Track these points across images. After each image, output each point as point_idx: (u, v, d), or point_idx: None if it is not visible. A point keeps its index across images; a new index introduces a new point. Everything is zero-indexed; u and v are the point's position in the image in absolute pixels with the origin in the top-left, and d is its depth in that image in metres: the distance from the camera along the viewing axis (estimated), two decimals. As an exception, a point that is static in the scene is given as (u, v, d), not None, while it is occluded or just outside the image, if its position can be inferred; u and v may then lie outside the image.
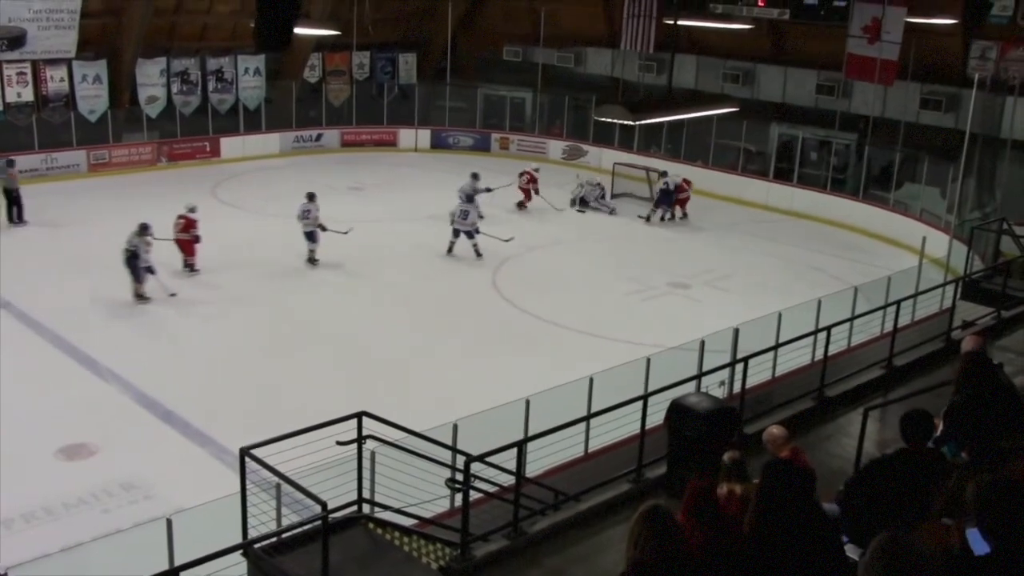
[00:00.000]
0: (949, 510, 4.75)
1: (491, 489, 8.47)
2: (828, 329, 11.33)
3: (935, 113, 23.30)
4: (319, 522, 7.05)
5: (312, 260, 19.68)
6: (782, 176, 26.46)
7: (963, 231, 19.14)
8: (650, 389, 9.55)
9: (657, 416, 8.90)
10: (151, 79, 27.28)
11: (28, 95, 25.29)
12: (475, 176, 22.21)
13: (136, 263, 17.12)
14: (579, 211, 24.85)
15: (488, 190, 22.43)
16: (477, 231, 20.60)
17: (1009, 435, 6.58)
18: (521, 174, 24.92)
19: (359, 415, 8.29)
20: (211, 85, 28.55)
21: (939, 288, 14.79)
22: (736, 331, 11.47)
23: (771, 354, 11.41)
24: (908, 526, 4.79)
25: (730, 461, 6.42)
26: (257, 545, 7.46)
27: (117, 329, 15.98)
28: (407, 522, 8.42)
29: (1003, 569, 3.72)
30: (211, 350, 15.43)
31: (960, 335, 11.71)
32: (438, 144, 31.78)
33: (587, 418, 9.48)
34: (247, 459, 7.72)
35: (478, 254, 20.53)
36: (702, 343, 11.20)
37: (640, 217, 24.61)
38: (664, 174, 25.00)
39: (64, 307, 16.60)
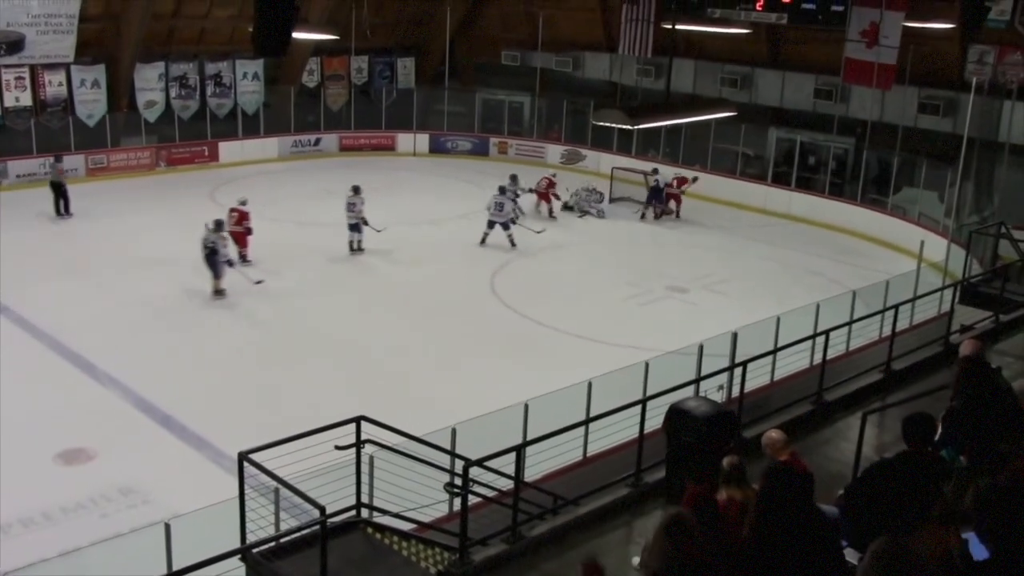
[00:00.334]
0: (948, 515, 4.75)
1: (490, 493, 8.47)
2: (826, 333, 11.34)
3: (933, 117, 23.33)
4: (318, 526, 7.04)
5: (358, 249, 20.67)
6: (780, 180, 26.48)
7: (961, 235, 19.16)
8: (649, 393, 9.56)
9: (656, 420, 8.90)
10: (149, 83, 27.29)
11: (26, 100, 25.28)
12: (514, 178, 23.36)
13: (216, 259, 17.60)
14: (579, 216, 24.87)
15: (524, 190, 23.58)
16: (513, 222, 21.74)
17: (1008, 439, 6.59)
18: (539, 181, 24.97)
19: (357, 419, 8.29)
20: (209, 89, 28.55)
21: (937, 292, 14.79)
22: (735, 335, 11.48)
23: (769, 358, 11.41)
24: (907, 531, 4.79)
25: (729, 466, 6.42)
26: (255, 550, 7.45)
27: (115, 333, 15.95)
28: (406, 526, 8.42)
29: (1003, 573, 3.72)
30: (209, 354, 15.42)
31: (958, 339, 11.71)
32: (436, 148, 31.79)
33: (586, 422, 9.48)
34: (245, 463, 7.72)
35: (512, 244, 21.51)
36: (700, 347, 11.21)
37: (642, 219, 24.91)
38: (655, 171, 25.43)
39: (62, 311, 16.59)
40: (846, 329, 12.58)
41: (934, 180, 22.72)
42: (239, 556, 7.40)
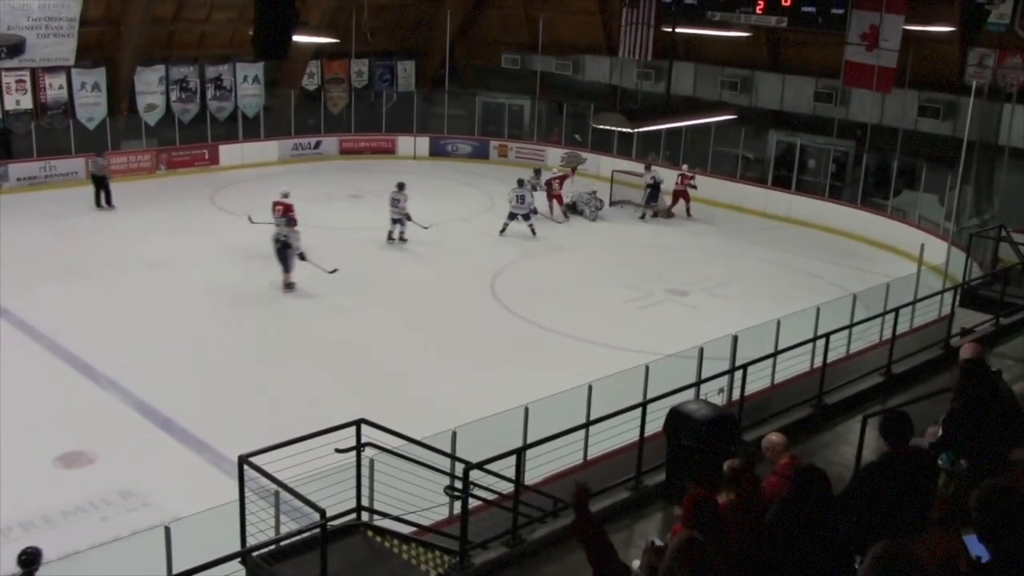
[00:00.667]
0: (949, 517, 4.75)
1: (490, 497, 8.46)
2: (827, 336, 11.34)
3: (933, 120, 23.33)
4: (318, 530, 7.04)
5: (401, 239, 21.54)
6: (780, 183, 26.50)
7: (962, 238, 19.16)
8: (649, 396, 9.56)
9: (656, 423, 8.90)
10: (150, 87, 27.31)
11: (27, 103, 25.30)
12: (537, 172, 24.69)
13: (288, 252, 18.05)
14: (591, 219, 24.85)
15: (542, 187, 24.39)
16: (534, 211, 22.97)
17: (1008, 442, 6.59)
18: (548, 182, 25.08)
19: (358, 422, 8.29)
20: (210, 93, 28.57)
21: (938, 295, 14.79)
22: (735, 338, 11.47)
23: (770, 361, 11.40)
24: (907, 534, 4.79)
25: (730, 470, 6.41)
26: (255, 553, 7.44)
27: (116, 336, 15.95)
28: (406, 530, 8.41)
29: (1004, 574, 3.72)
30: (210, 357, 15.41)
31: (959, 342, 11.72)
32: (437, 151, 31.81)
33: (586, 425, 9.48)
34: (245, 467, 7.71)
35: (533, 232, 22.78)
36: (701, 350, 11.20)
37: (640, 218, 25.13)
38: (648, 168, 25.68)
39: (63, 314, 16.59)
40: (846, 332, 12.58)
41: (934, 183, 22.73)
42: (239, 559, 7.39)
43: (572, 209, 25.01)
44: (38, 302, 17.05)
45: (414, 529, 8.51)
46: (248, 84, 29.19)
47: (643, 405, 9.16)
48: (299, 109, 30.39)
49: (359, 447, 8.26)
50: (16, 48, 24.31)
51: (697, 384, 10.43)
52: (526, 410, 9.51)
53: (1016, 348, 12.59)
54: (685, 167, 26.21)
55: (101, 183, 23.78)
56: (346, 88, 31.71)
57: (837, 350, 12.13)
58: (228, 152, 28.76)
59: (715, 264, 21.63)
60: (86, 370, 14.62)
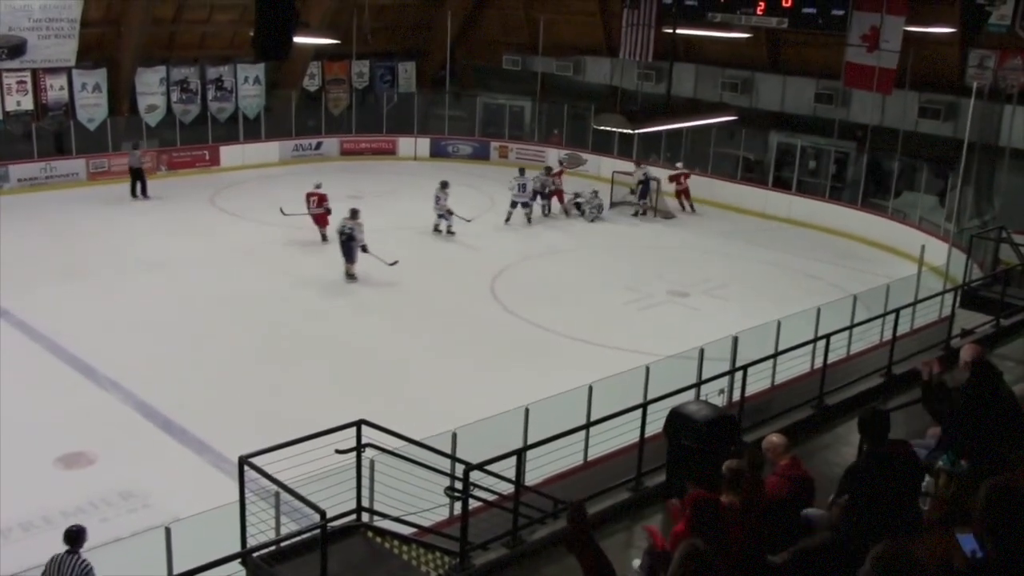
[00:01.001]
0: (948, 518, 4.75)
1: (490, 497, 8.46)
2: (827, 337, 11.33)
3: (933, 121, 23.32)
4: (318, 531, 7.04)
5: (449, 232, 22.56)
6: (781, 184, 26.50)
7: (962, 239, 19.15)
8: (649, 397, 9.55)
9: (656, 424, 8.89)
10: (150, 88, 27.34)
11: (28, 104, 25.32)
12: (548, 170, 25.52)
13: (352, 244, 18.91)
14: (589, 220, 24.88)
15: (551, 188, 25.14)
16: (533, 198, 24.11)
17: (1009, 443, 6.58)
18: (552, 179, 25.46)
19: (358, 423, 8.28)
20: (210, 94, 28.60)
21: (938, 296, 14.78)
22: (735, 339, 11.47)
23: (770, 362, 11.39)
24: (905, 533, 4.79)
25: (728, 471, 6.40)
26: (256, 554, 7.44)
27: (115, 337, 15.95)
28: (406, 531, 8.41)
29: (1005, 574, 3.72)
30: (210, 358, 15.41)
31: (959, 343, 11.70)
32: (437, 152, 31.82)
33: (586, 426, 9.47)
34: (246, 467, 7.71)
35: (528, 220, 23.96)
36: (701, 351, 11.20)
37: (633, 215, 25.43)
38: (639, 166, 26.13)
39: (63, 315, 16.60)
40: (847, 333, 12.56)
41: (935, 184, 22.73)
42: (239, 560, 7.39)
43: (576, 208, 25.06)
44: (38, 302, 17.06)
45: (414, 530, 8.50)
46: (249, 85, 29.21)
47: (643, 406, 9.15)
48: (300, 110, 30.41)
49: (359, 448, 8.25)
50: (17, 49, 24.34)
51: (697, 385, 10.42)
52: (526, 411, 9.51)
53: (1016, 349, 12.57)
54: (680, 165, 26.45)
55: (138, 175, 24.81)
56: (347, 89, 31.72)
57: (837, 351, 12.12)
58: (229, 153, 28.77)
59: (715, 265, 21.63)
60: (86, 371, 14.63)
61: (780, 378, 11.79)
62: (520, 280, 20.08)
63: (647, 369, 10.49)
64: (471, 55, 33.65)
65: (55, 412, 13.15)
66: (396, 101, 32.63)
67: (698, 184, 27.12)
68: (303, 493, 7.29)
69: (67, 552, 7.80)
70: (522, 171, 24.41)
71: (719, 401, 10.38)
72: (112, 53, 26.28)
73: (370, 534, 8.15)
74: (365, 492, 8.36)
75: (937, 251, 19.21)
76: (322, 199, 21.49)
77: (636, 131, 18.50)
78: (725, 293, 19.48)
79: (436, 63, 33.17)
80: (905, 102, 23.61)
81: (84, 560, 7.77)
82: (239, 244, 21.47)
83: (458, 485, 7.95)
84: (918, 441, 7.65)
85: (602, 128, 18.83)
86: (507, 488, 8.37)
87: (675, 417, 8.62)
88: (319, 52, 29.39)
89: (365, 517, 8.36)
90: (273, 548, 7.53)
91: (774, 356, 11.38)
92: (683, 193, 26.05)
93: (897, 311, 12.30)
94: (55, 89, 25.69)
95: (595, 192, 25.36)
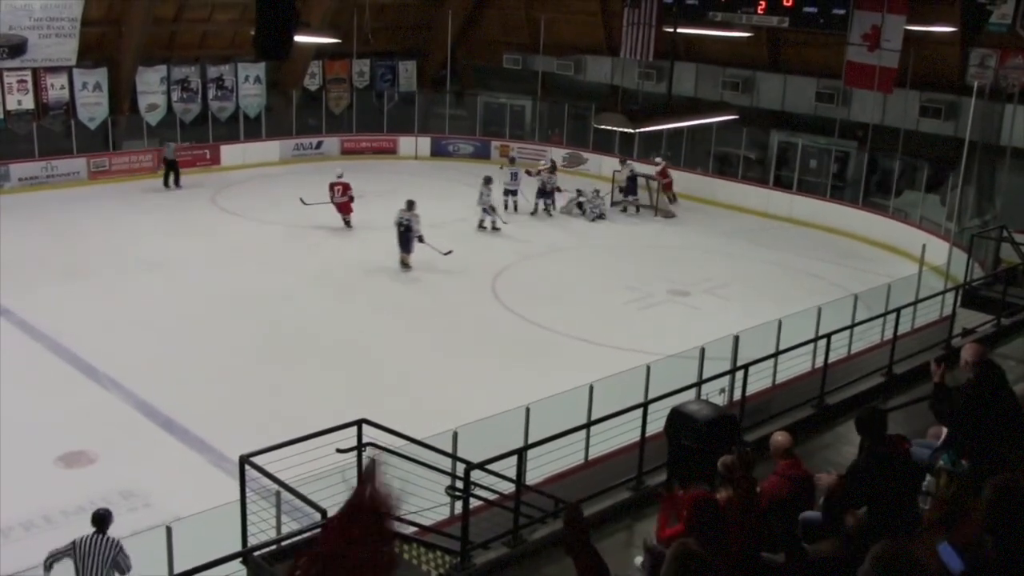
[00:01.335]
0: (948, 518, 4.74)
1: (491, 497, 8.46)
2: (828, 337, 11.34)
3: (935, 121, 23.30)
4: (319, 530, 7.04)
5: (494, 228, 23.00)
6: (782, 184, 26.49)
7: (963, 239, 19.14)
8: (650, 396, 9.56)
9: (657, 424, 8.90)
10: (151, 87, 27.33)
11: (28, 103, 25.32)
12: (553, 166, 25.90)
13: (409, 235, 19.68)
14: (591, 221, 24.88)
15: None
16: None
17: (1010, 443, 6.58)
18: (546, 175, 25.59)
19: (359, 423, 8.30)
20: (211, 93, 28.59)
21: (939, 296, 14.77)
22: (736, 338, 11.47)
23: (771, 361, 11.40)
24: (904, 532, 4.79)
25: (723, 467, 6.39)
26: (257, 553, 7.45)
27: (117, 336, 15.96)
28: (407, 530, 8.41)
29: (1007, 573, 3.72)
30: (211, 357, 15.41)
31: (960, 343, 11.70)
32: (438, 152, 31.81)
33: (587, 425, 9.48)
34: (247, 466, 7.72)
35: (515, 208, 24.87)
36: (702, 350, 11.20)
37: (624, 212, 25.67)
38: (624, 162, 26.32)
39: (64, 314, 16.60)
40: (848, 332, 12.57)
41: (935, 184, 22.72)
42: (240, 559, 7.40)
43: (579, 207, 25.06)
44: (39, 302, 17.06)
45: (415, 529, 8.51)
46: (249, 84, 29.20)
47: (644, 405, 9.16)
48: (300, 109, 30.40)
49: (360, 447, 8.26)
50: (18, 48, 24.34)
51: (698, 384, 10.43)
52: (527, 410, 9.52)
53: (1017, 349, 12.57)
54: (659, 160, 26.69)
55: (172, 166, 26.08)
56: (347, 88, 31.71)
57: (838, 350, 12.13)
58: (229, 152, 28.76)
59: (716, 264, 21.63)
60: (87, 370, 14.63)
61: (781, 377, 11.80)
62: (521, 279, 20.08)
63: (648, 368, 10.50)
64: (472, 55, 33.64)
65: (56, 411, 13.15)
66: (397, 100, 32.61)
67: (699, 184, 27.14)
68: (304, 492, 7.30)
69: (94, 533, 8.06)
70: (512, 160, 25.65)
71: (720, 400, 10.38)
72: (113, 52, 26.28)
73: (371, 533, 8.13)
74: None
75: (938, 250, 19.21)
76: (346, 188, 22.71)
77: (637, 130, 18.52)
78: (726, 292, 19.48)
79: (437, 62, 33.16)
80: (906, 101, 23.60)
81: (112, 538, 8.08)
82: (240, 243, 21.47)
83: (459, 484, 7.96)
84: (919, 441, 7.66)
85: (603, 127, 18.90)
86: (508, 487, 8.38)
87: (676, 416, 8.62)
88: (320, 51, 29.38)
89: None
90: (274, 547, 7.54)
91: (775, 355, 11.38)
92: (667, 187, 26.20)
93: (898, 310, 12.31)
94: (56, 88, 25.68)
95: (596, 191, 25.36)
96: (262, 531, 7.87)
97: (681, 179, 27.30)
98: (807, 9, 23.65)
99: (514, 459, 8.04)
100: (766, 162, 27.35)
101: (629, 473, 9.06)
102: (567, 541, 4.36)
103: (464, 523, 7.63)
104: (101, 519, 8.20)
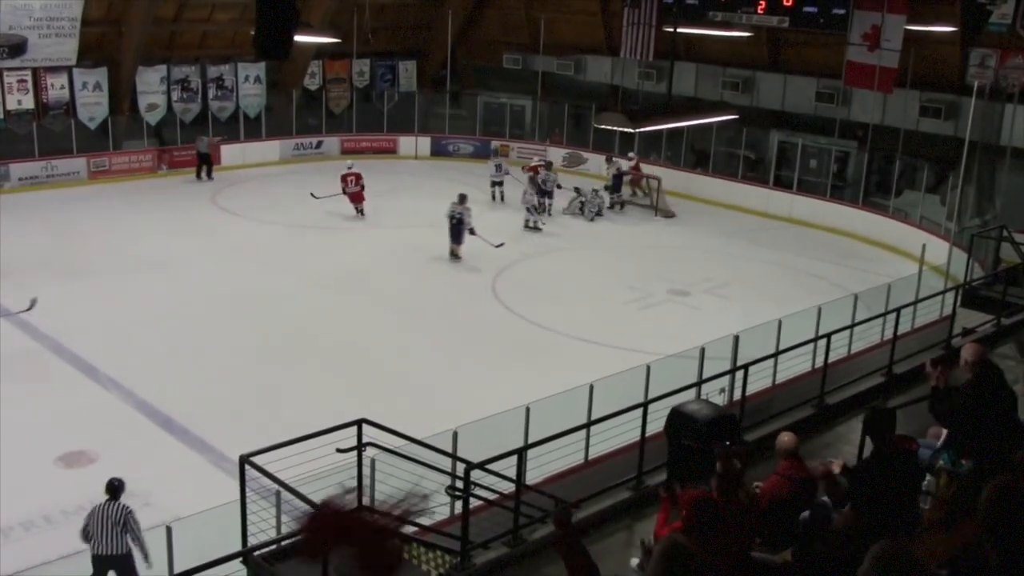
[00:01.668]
0: (949, 518, 4.75)
1: (491, 496, 8.46)
2: (828, 336, 11.33)
3: (935, 121, 23.30)
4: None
5: (535, 228, 23.28)
6: (782, 183, 26.49)
7: (963, 238, 19.14)
8: (650, 396, 9.56)
9: (657, 423, 8.90)
10: (151, 87, 27.32)
11: (28, 103, 25.31)
12: (549, 164, 26.11)
13: (460, 227, 20.46)
14: (590, 220, 24.91)
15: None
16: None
17: (1010, 443, 6.58)
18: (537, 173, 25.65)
19: (359, 422, 8.30)
20: (211, 92, 28.58)
21: (939, 295, 14.77)
22: (736, 338, 11.47)
23: (771, 361, 11.39)
24: (905, 533, 4.79)
25: (721, 468, 6.40)
26: (257, 552, 7.45)
27: (117, 336, 15.96)
28: (407, 529, 8.40)
29: (1007, 574, 3.71)
30: (211, 357, 15.41)
31: (960, 342, 11.70)
32: (438, 152, 31.81)
33: (587, 425, 9.48)
34: (247, 466, 7.72)
35: (501, 198, 25.73)
36: (702, 350, 11.20)
37: (609, 208, 25.80)
38: (610, 159, 26.72)
39: (64, 314, 16.57)
40: (848, 332, 12.56)
41: (935, 183, 22.72)
42: (240, 559, 7.41)
43: (580, 208, 25.07)
44: (39, 301, 17.01)
45: (415, 529, 8.49)
46: (249, 84, 29.20)
47: (644, 405, 9.16)
48: (300, 109, 30.41)
49: (360, 447, 8.26)
50: (18, 48, 24.33)
51: (698, 384, 10.43)
52: (527, 410, 9.51)
53: (1017, 348, 12.57)
54: (632, 155, 26.91)
55: (205, 159, 27.09)
56: (348, 88, 31.71)
57: (838, 350, 12.12)
58: (229, 152, 28.74)
59: (716, 264, 21.63)
60: (87, 370, 14.63)
61: (781, 377, 11.79)
62: (521, 279, 20.08)
63: (648, 368, 10.49)
64: (472, 54, 33.64)
65: (56, 411, 13.16)
66: (397, 100, 32.60)
67: (700, 184, 27.15)
68: (304, 492, 7.29)
69: (108, 500, 8.85)
70: (495, 152, 26.93)
71: (720, 400, 10.38)
72: (113, 52, 26.27)
73: (371, 533, 8.13)
74: (366, 491, 8.36)
75: (938, 250, 19.21)
76: (358, 177, 23.88)
77: (637, 130, 18.52)
78: (726, 292, 19.48)
79: (437, 62, 33.16)
80: (906, 101, 23.60)
81: (124, 505, 8.86)
82: (240, 243, 21.47)
83: (459, 484, 7.96)
84: (919, 441, 7.65)
85: (603, 127, 18.90)
86: (508, 487, 8.38)
87: (676, 416, 8.62)
88: (320, 51, 29.38)
89: (366, 516, 8.35)
90: (274, 547, 7.54)
91: (775, 355, 11.38)
92: (638, 181, 26.29)
93: (898, 310, 12.31)
94: (56, 88, 25.67)
95: (595, 191, 25.38)
96: (262, 531, 7.87)
97: (681, 179, 27.32)
98: (807, 9, 23.65)
99: (514, 459, 8.03)
100: (766, 162, 27.35)
101: (629, 473, 9.05)
102: (555, 541, 4.39)
103: (464, 523, 7.63)
104: (114, 488, 8.92)
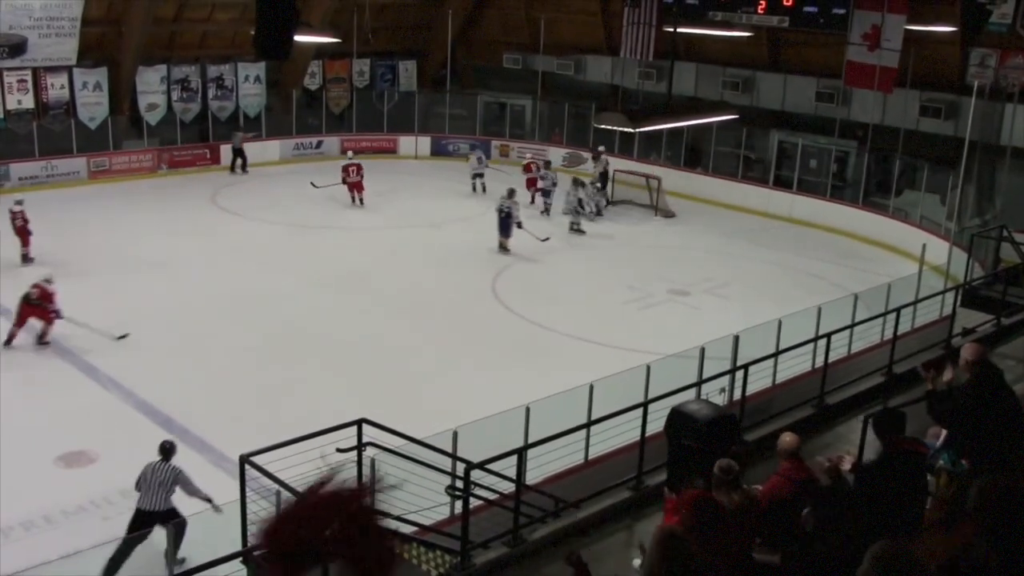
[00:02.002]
0: (949, 518, 4.75)
1: (491, 496, 8.47)
2: (828, 336, 11.34)
3: (935, 120, 23.31)
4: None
5: (578, 230, 23.43)
6: (782, 183, 26.49)
7: (963, 238, 19.14)
8: (650, 396, 9.56)
9: (657, 423, 8.90)
10: (151, 86, 27.32)
11: (29, 102, 25.31)
12: (548, 164, 26.25)
13: (509, 221, 21.12)
14: (588, 219, 24.91)
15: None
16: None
17: (1010, 443, 6.59)
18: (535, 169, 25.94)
19: (359, 422, 8.31)
20: (211, 92, 28.58)
21: (939, 295, 14.78)
22: (736, 338, 11.47)
23: (771, 361, 11.40)
24: (906, 533, 4.79)
25: (720, 470, 6.40)
26: (257, 552, 7.45)
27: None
28: (407, 529, 8.42)
29: (1005, 574, 3.71)
30: (211, 356, 15.41)
31: (960, 342, 11.71)
32: (438, 151, 31.81)
33: (587, 425, 9.48)
34: (247, 466, 7.73)
35: (484, 189, 26.19)
36: (702, 350, 11.20)
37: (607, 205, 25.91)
38: (598, 157, 26.84)
39: (64, 314, 16.55)
40: (848, 332, 12.57)
41: (936, 183, 22.73)
42: (240, 559, 7.41)
43: (579, 207, 25.06)
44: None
45: (415, 529, 8.51)
46: (249, 84, 29.20)
47: (644, 405, 9.16)
48: (300, 109, 30.40)
49: (360, 447, 8.27)
50: (18, 48, 24.33)
51: (698, 384, 10.43)
52: (527, 410, 9.51)
53: (1017, 348, 12.57)
54: (602, 149, 27.10)
55: (240, 154, 28.02)
56: (347, 88, 31.70)
57: (838, 350, 12.13)
58: (229, 152, 28.73)
59: (716, 264, 21.62)
60: (87, 369, 14.64)
61: (781, 377, 11.80)
62: (521, 279, 20.08)
63: (648, 368, 10.49)
64: (472, 54, 33.64)
65: (56, 411, 13.16)
66: (397, 100, 32.60)
67: (700, 184, 27.14)
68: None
69: (160, 460, 9.52)
70: (473, 147, 28.39)
71: (720, 400, 10.38)
72: (113, 52, 26.27)
73: (371, 533, 8.14)
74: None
75: (938, 250, 19.21)
76: (359, 168, 24.65)
77: (637, 130, 18.52)
78: (726, 292, 19.48)
79: (437, 62, 33.16)
80: (906, 101, 23.60)
81: (175, 467, 9.50)
82: (240, 243, 21.46)
83: (459, 484, 7.96)
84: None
85: (603, 127, 18.90)
86: (508, 487, 8.38)
87: (676, 416, 8.61)
88: (320, 51, 29.38)
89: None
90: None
91: (775, 355, 11.39)
92: (603, 175, 26.44)
93: (898, 310, 12.32)
94: (56, 88, 25.67)
95: (597, 188, 25.39)
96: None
97: (681, 178, 27.30)
98: (807, 9, 23.66)
99: (514, 459, 8.04)
100: (766, 162, 27.35)
101: (629, 473, 9.06)
102: None
103: (464, 523, 7.64)
104: (166, 450, 9.62)
